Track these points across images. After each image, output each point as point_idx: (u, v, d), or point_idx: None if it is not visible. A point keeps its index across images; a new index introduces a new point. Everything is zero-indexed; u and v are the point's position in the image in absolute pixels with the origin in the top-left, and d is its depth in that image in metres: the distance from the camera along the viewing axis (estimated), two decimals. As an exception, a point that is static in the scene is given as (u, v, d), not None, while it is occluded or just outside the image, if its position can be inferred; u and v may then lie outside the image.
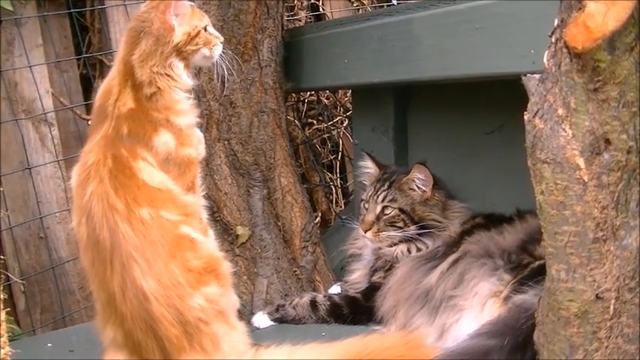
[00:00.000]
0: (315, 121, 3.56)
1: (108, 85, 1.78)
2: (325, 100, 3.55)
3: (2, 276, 1.56)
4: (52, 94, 2.86)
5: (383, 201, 2.28)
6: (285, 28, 2.74)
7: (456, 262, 2.05)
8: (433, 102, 2.60)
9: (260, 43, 2.48)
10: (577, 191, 1.26)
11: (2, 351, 1.45)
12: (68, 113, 2.94)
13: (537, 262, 1.83)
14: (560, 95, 1.25)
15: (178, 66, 1.78)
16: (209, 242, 1.79)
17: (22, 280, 2.76)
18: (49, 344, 2.19)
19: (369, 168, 2.45)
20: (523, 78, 1.32)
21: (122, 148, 1.69)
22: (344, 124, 3.50)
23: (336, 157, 3.52)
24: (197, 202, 1.81)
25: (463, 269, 2.00)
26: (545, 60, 1.27)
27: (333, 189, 3.48)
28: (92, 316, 1.93)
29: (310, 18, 3.59)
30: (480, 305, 1.90)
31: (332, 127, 3.54)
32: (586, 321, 1.32)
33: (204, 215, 1.85)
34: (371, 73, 2.40)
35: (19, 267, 2.79)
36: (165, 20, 1.75)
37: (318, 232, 2.67)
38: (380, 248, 2.29)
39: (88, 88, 3.02)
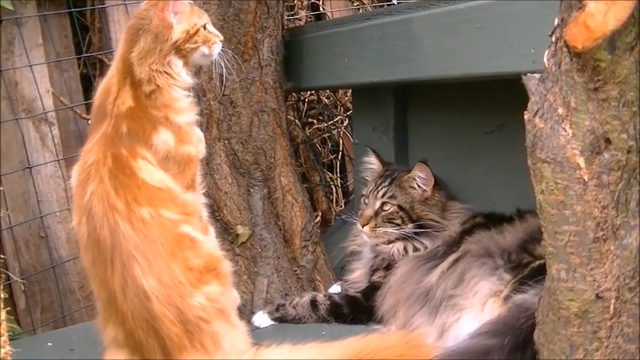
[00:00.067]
0: (315, 121, 3.56)
1: (107, 83, 1.78)
2: (325, 100, 3.55)
3: (2, 275, 1.56)
4: (53, 93, 2.86)
5: (383, 197, 2.28)
6: (286, 27, 2.74)
7: (456, 261, 2.05)
8: (433, 101, 2.60)
9: (260, 42, 2.48)
10: (577, 191, 1.26)
11: (2, 350, 1.45)
12: (68, 113, 2.94)
13: (537, 262, 1.83)
14: (561, 95, 1.25)
15: (177, 64, 1.78)
16: (209, 241, 1.79)
17: (22, 279, 2.76)
18: (49, 343, 2.19)
19: (372, 164, 2.45)
20: (523, 77, 1.32)
21: (122, 147, 1.69)
22: (344, 124, 3.50)
23: (337, 157, 3.52)
24: (197, 200, 1.81)
25: (463, 269, 2.00)
26: (545, 59, 1.27)
27: (334, 188, 3.48)
28: (92, 315, 1.94)
29: (310, 17, 3.59)
30: (480, 305, 1.90)
31: (332, 127, 3.54)
32: (586, 320, 1.32)
33: (205, 213, 1.85)
34: (371, 72, 2.40)
35: (19, 266, 2.80)
36: (163, 18, 1.75)
37: (319, 231, 2.67)
38: (377, 245, 2.29)
39: (88, 87, 3.02)
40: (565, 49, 1.22)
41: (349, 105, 3.40)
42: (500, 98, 2.12)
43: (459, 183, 2.38)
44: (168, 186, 1.71)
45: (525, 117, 1.30)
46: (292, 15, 3.49)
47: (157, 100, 1.75)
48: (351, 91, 3.24)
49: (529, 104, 1.30)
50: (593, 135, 1.24)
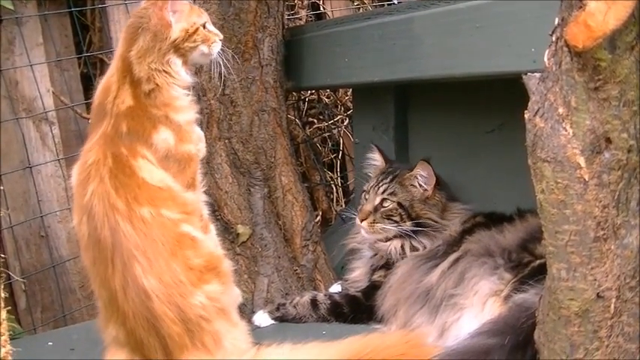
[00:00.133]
0: (315, 120, 3.56)
1: (107, 82, 1.78)
2: (326, 99, 3.55)
3: (3, 275, 1.56)
4: (53, 92, 2.87)
5: (383, 193, 2.29)
6: (286, 26, 2.74)
7: (456, 261, 2.05)
8: (434, 101, 2.60)
9: (261, 41, 2.48)
10: (578, 190, 1.26)
11: (3, 350, 1.45)
12: (69, 112, 2.95)
13: (538, 261, 1.83)
14: (561, 94, 1.25)
15: (176, 63, 1.77)
16: (210, 240, 1.79)
17: (22, 278, 2.76)
18: (49, 343, 2.19)
19: (375, 160, 2.46)
20: (524, 77, 1.32)
21: (122, 147, 1.69)
22: (344, 123, 3.50)
23: (337, 156, 3.52)
24: (197, 199, 1.81)
25: (464, 268, 2.00)
26: (545, 59, 1.27)
27: (334, 188, 3.48)
28: (93, 314, 1.94)
29: (311, 17, 3.59)
30: (480, 304, 1.90)
31: (332, 126, 3.54)
32: (587, 320, 1.32)
33: (205, 211, 1.85)
34: (371, 71, 2.40)
35: (19, 266, 2.80)
36: (162, 17, 1.74)
37: (319, 230, 2.67)
38: (375, 242, 2.30)
39: (88, 86, 3.02)
40: (565, 49, 1.22)
41: (349, 104, 3.40)
42: (501, 98, 2.12)
43: (459, 182, 2.38)
44: (168, 185, 1.71)
45: (526, 116, 1.30)
46: (293, 14, 3.49)
47: (157, 99, 1.74)
48: (351, 90, 3.24)
49: (529, 104, 1.30)
50: (594, 134, 1.24)
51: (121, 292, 1.62)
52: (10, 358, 1.48)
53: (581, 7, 1.16)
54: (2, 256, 2.59)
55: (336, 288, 2.42)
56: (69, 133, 2.95)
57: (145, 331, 1.62)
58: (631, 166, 1.25)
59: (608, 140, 1.24)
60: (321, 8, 3.63)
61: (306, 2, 3.57)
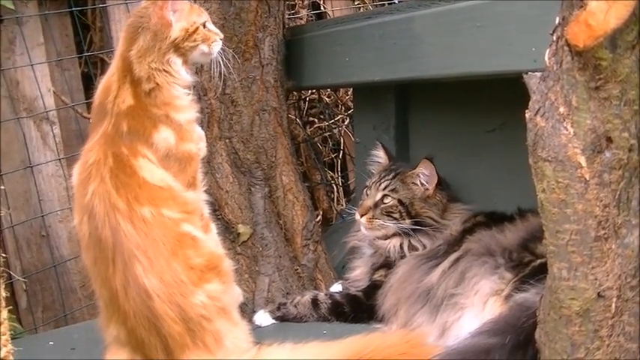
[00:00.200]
0: (316, 120, 3.56)
1: (107, 81, 1.78)
2: (326, 99, 3.55)
3: (4, 274, 1.56)
4: (54, 92, 2.87)
5: (384, 189, 2.30)
6: (287, 26, 2.74)
7: (457, 260, 2.05)
8: (434, 100, 2.60)
9: (261, 41, 2.48)
10: (578, 189, 1.26)
11: (4, 349, 1.45)
12: (69, 112, 2.95)
13: (538, 261, 1.83)
14: (562, 93, 1.25)
15: (176, 62, 1.77)
16: (210, 239, 1.79)
17: (23, 278, 2.76)
18: (50, 342, 2.19)
19: (380, 157, 2.47)
20: (524, 76, 1.32)
21: (122, 146, 1.69)
22: (345, 123, 3.50)
23: (338, 156, 3.51)
24: (198, 198, 1.81)
25: (464, 268, 2.00)
26: (546, 58, 1.27)
27: (335, 187, 3.48)
28: (94, 314, 1.94)
29: (311, 16, 3.59)
30: (481, 304, 1.90)
31: (333, 126, 3.54)
32: (587, 319, 1.32)
33: (206, 210, 1.85)
34: (372, 71, 2.40)
35: (20, 265, 2.80)
36: (162, 16, 1.74)
37: (320, 230, 2.67)
38: (375, 240, 2.30)
39: (89, 86, 3.02)
40: (566, 48, 1.22)
41: (350, 104, 3.40)
42: (502, 97, 2.12)
43: (460, 182, 2.38)
44: (169, 184, 1.71)
45: (526, 116, 1.30)
46: (293, 14, 3.49)
47: (157, 98, 1.74)
48: (352, 89, 3.24)
49: (530, 103, 1.30)
50: (595, 134, 1.24)
51: (121, 292, 1.62)
52: (11, 357, 1.48)
53: (582, 6, 1.16)
54: (3, 255, 2.59)
55: (336, 287, 2.42)
56: (70, 133, 2.95)
57: (146, 331, 1.62)
58: (632, 166, 1.25)
59: (609, 139, 1.24)
60: (322, 8, 3.62)
61: (306, 2, 3.57)
